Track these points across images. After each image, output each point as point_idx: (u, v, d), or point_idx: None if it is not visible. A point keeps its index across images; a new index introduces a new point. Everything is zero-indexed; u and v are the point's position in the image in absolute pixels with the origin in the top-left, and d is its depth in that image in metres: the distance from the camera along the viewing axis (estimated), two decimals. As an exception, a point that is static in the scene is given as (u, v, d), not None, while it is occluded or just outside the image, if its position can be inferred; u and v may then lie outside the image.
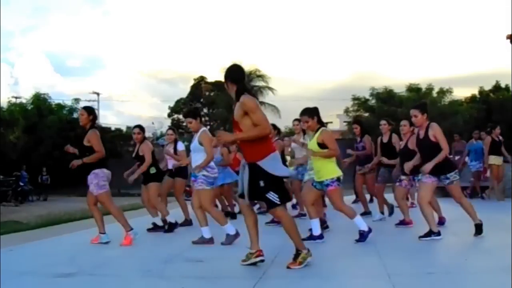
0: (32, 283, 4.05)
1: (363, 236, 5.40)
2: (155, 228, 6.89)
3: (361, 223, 5.45)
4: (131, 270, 4.45)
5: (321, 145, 5.29)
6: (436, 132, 5.32)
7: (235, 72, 4.27)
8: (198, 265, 4.55)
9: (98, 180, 5.66)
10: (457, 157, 11.93)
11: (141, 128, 6.90)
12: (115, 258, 5.03)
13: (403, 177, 6.45)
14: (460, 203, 5.52)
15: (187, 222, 7.28)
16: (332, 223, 6.52)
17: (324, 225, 6.24)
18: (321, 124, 5.47)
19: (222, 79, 4.81)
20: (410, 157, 5.92)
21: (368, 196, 9.23)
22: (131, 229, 5.74)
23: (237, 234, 5.47)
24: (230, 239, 5.44)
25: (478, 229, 5.44)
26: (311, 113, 5.42)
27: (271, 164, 4.01)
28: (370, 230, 5.44)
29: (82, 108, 6.17)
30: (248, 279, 3.90)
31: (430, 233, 5.40)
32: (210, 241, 5.59)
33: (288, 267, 4.10)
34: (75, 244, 5.94)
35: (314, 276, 3.97)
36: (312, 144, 5.36)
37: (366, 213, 7.92)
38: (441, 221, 6.49)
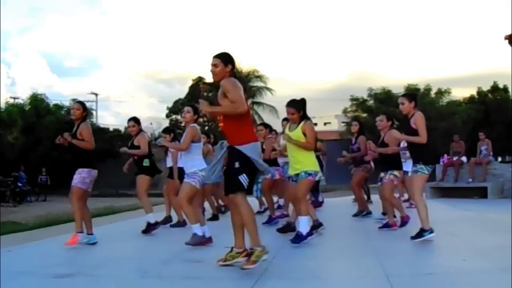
0: (31, 283, 4.05)
1: (299, 238, 5.22)
2: (151, 225, 6.66)
3: (305, 224, 5.28)
4: (130, 270, 4.45)
5: (305, 136, 5.27)
6: (416, 119, 5.26)
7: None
8: (196, 266, 4.54)
9: (88, 177, 5.66)
10: (455, 158, 11.94)
11: (135, 120, 6.81)
12: (113, 258, 5.02)
13: (382, 174, 6.37)
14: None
15: (181, 223, 7.18)
16: (330, 223, 6.51)
17: (320, 227, 6.21)
18: (307, 118, 5.41)
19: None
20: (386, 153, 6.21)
21: (365, 196, 9.26)
22: (81, 232, 5.70)
23: (203, 237, 5.40)
24: (195, 240, 5.34)
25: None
26: (298, 106, 5.41)
27: (251, 152, 4.06)
28: (311, 234, 5.30)
29: (77, 102, 6.11)
30: (246, 279, 3.89)
31: (421, 233, 5.23)
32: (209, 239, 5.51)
33: (242, 268, 3.99)
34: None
35: (312, 277, 3.98)
36: (297, 133, 5.32)
37: (367, 213, 7.93)
38: (404, 221, 6.24)
